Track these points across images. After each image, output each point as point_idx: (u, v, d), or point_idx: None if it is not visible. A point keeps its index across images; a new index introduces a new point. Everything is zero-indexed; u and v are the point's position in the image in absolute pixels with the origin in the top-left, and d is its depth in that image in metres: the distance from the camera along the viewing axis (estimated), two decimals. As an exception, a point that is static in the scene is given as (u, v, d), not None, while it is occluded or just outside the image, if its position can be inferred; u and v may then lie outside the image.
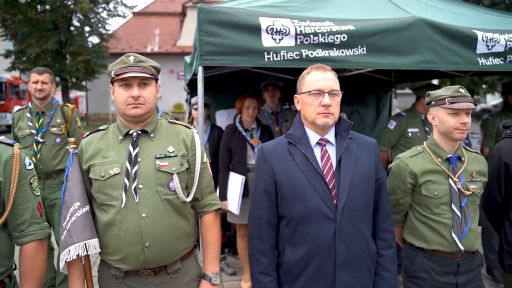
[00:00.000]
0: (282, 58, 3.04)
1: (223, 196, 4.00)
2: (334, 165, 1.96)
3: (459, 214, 2.25)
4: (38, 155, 3.68)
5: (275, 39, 3.04)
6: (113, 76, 1.95)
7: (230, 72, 5.47)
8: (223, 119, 5.64)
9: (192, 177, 2.06)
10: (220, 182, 4.03)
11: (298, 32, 3.02)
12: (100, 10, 15.64)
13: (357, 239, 1.93)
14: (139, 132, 2.00)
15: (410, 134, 4.01)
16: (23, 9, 14.02)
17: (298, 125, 2.05)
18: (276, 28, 3.00)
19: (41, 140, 3.71)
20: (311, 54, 3.07)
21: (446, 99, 2.26)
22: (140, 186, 1.92)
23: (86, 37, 15.29)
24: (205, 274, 2.10)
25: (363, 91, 6.24)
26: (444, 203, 2.27)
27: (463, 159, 2.33)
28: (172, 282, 2.00)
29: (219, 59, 3.00)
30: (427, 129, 4.04)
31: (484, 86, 16.22)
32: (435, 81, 9.86)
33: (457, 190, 2.27)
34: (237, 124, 4.06)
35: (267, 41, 3.03)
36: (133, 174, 1.92)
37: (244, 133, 4.00)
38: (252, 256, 2.04)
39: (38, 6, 14.51)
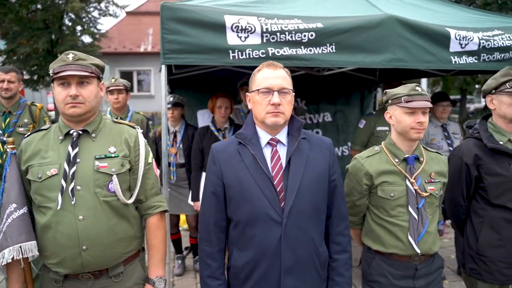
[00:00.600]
0: (247, 56, 2.97)
1: (196, 197, 3.94)
2: (284, 166, 1.89)
3: (415, 216, 2.18)
4: (4, 156, 3.61)
5: (240, 37, 2.97)
6: (51, 74, 1.89)
7: (212, 71, 5.42)
8: (204, 118, 5.57)
9: (135, 178, 2.00)
10: (193, 183, 3.97)
11: (264, 30, 2.95)
12: (92, 9, 15.53)
13: (304, 243, 1.86)
14: (80, 132, 1.94)
15: (379, 133, 3.95)
16: (13, 8, 13.92)
17: (250, 125, 1.99)
18: (241, 26, 2.93)
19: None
20: (278, 52, 3.00)
21: (402, 97, 2.19)
22: (78, 187, 1.85)
23: (77, 37, 15.17)
24: (149, 278, 2.03)
25: (347, 91, 6.17)
26: (401, 205, 2.20)
27: (421, 159, 2.26)
28: (114, 286, 1.93)
29: (182, 58, 2.94)
30: None
31: (477, 86, 16.11)
32: (424, 80, 9.79)
33: (414, 192, 2.19)
34: (210, 124, 4.00)
35: (232, 39, 2.96)
36: (70, 175, 1.86)
37: (216, 133, 3.93)
38: (201, 260, 1.98)
39: (29, 6, 14.40)
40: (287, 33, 2.98)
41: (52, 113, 15.69)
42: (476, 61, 3.39)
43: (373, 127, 4.02)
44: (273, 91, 1.85)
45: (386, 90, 2.33)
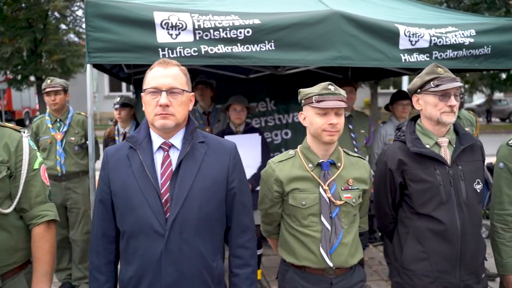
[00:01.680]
0: (178, 55, 2.80)
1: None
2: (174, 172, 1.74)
3: (328, 226, 2.01)
4: None
5: (171, 35, 2.80)
6: None
7: None
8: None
9: (16, 186, 1.83)
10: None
11: (197, 26, 2.78)
12: (76, 8, 15.35)
13: (191, 258, 1.70)
14: None
15: None
16: (-4, 7, 13.76)
17: (144, 127, 1.84)
18: (172, 23, 2.76)
19: None
20: (211, 50, 2.83)
21: (313, 97, 2.02)
22: None
23: (61, 36, 15.00)
24: None
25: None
26: (313, 214, 2.03)
27: (339, 164, 2.09)
28: None
29: (108, 56, 2.77)
30: (351, 126, 3.82)
31: (466, 85, 15.96)
32: (405, 79, 9.58)
33: (327, 200, 2.02)
34: None
35: (162, 36, 2.79)
36: None
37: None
38: (89, 272, 1.83)
39: (13, 4, 14.23)
40: (221, 30, 2.82)
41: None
42: (428, 58, 3.21)
43: None
44: (161, 91, 1.70)
45: (300, 89, 2.16)
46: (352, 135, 3.83)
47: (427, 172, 2.11)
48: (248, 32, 2.84)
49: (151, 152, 1.76)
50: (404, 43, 3.14)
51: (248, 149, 3.64)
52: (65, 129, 3.93)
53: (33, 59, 14.49)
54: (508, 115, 23.42)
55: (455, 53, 3.25)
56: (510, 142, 2.34)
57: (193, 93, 1.87)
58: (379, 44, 3.09)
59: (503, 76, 15.97)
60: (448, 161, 2.13)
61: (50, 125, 3.93)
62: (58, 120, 3.96)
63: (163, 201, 1.70)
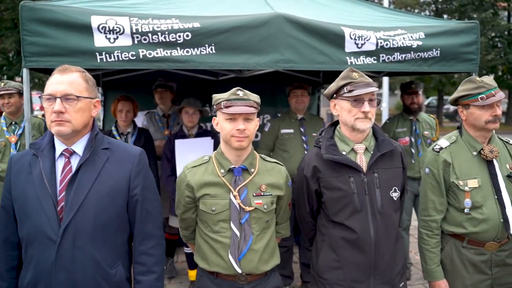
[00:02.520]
0: (116, 59, 2.78)
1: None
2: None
3: (237, 232, 1.99)
4: None
5: (109, 39, 2.78)
6: None
7: (145, 74, 5.19)
8: (139, 120, 5.40)
9: None
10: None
11: (134, 30, 2.76)
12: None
13: (85, 265, 1.69)
14: None
15: (283, 136, 3.77)
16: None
17: (49, 133, 1.83)
18: (109, 27, 2.74)
19: None
20: (150, 54, 2.80)
21: (222, 102, 2.00)
22: None
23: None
24: None
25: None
26: (223, 220, 2.01)
27: (252, 170, 2.07)
28: None
29: (45, 61, 2.74)
30: (302, 129, 3.81)
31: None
32: (385, 80, 9.56)
33: (237, 206, 2.00)
34: (113, 128, 3.82)
35: (100, 41, 2.76)
36: None
37: (118, 138, 3.74)
38: None
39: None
40: (159, 33, 2.79)
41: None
42: (375, 61, 3.19)
43: (278, 130, 3.84)
44: (55, 97, 1.69)
45: (213, 95, 2.14)
46: (303, 138, 3.80)
47: (341, 180, 2.07)
48: (187, 35, 2.82)
49: (52, 159, 1.75)
50: (350, 46, 3.12)
51: (200, 153, 3.61)
52: (20, 132, 3.90)
53: (18, 60, 14.40)
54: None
55: (403, 56, 3.23)
56: (435, 147, 2.33)
57: (97, 99, 1.84)
58: (324, 47, 3.06)
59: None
60: (364, 168, 2.08)
61: (4, 128, 3.91)
62: (13, 123, 3.94)
63: (58, 208, 1.69)
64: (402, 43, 3.20)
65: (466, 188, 2.24)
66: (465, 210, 2.25)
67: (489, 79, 2.24)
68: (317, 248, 2.20)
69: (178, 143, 3.58)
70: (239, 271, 1.98)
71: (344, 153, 2.10)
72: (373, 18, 3.52)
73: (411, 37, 3.25)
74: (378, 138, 2.15)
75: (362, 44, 3.13)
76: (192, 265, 3.90)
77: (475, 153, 2.29)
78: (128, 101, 3.76)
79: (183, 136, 3.73)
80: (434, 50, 3.30)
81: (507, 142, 2.40)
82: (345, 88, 2.05)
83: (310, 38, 3.03)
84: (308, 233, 2.30)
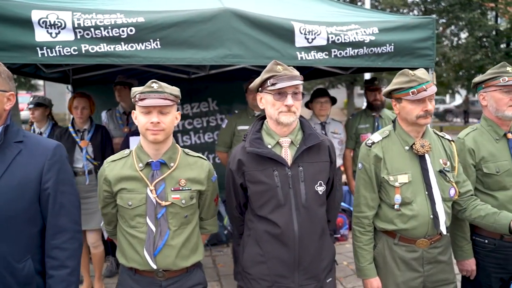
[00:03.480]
0: (58, 53, 2.74)
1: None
2: None
3: (153, 227, 1.95)
4: None
5: (50, 33, 2.74)
6: None
7: (118, 71, 5.13)
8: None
9: None
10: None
11: (76, 25, 2.72)
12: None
13: None
14: None
15: (240, 132, 3.74)
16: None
17: None
18: (50, 21, 2.70)
19: None
20: (92, 49, 2.76)
21: (137, 95, 1.97)
22: None
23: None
24: None
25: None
26: (140, 215, 1.98)
27: (171, 164, 2.03)
28: None
29: (-17, 55, 2.70)
30: None
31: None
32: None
33: (153, 200, 1.96)
34: (69, 125, 3.78)
35: (41, 35, 2.72)
36: None
37: (74, 135, 3.71)
38: None
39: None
40: (102, 28, 2.75)
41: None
42: (326, 56, 3.16)
43: (234, 127, 3.81)
44: None
45: (132, 88, 2.11)
46: None
47: (265, 173, 2.03)
48: (131, 30, 2.79)
49: None
50: (300, 41, 3.09)
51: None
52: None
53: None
54: (486, 116, 23.37)
55: (356, 51, 3.20)
56: (368, 142, 2.29)
57: (11, 92, 1.80)
58: (273, 41, 3.03)
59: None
60: (289, 162, 2.04)
61: None
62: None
63: None
64: (354, 38, 3.17)
65: (396, 184, 2.18)
66: (395, 206, 2.19)
67: (422, 73, 2.18)
68: (243, 243, 2.16)
69: (132, 140, 3.54)
70: (154, 267, 1.95)
71: (269, 146, 2.06)
72: (329, 13, 3.49)
73: (364, 32, 3.22)
74: (306, 131, 2.11)
75: (312, 39, 3.10)
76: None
77: (407, 147, 2.23)
78: (83, 98, 3.72)
79: (138, 133, 3.68)
80: (387, 45, 3.27)
81: (442, 137, 2.36)
82: (268, 81, 2.01)
83: (259, 33, 3.00)
84: (237, 229, 2.26)
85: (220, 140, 3.91)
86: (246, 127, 3.75)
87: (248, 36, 2.97)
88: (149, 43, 2.84)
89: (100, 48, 2.78)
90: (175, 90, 2.03)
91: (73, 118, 3.80)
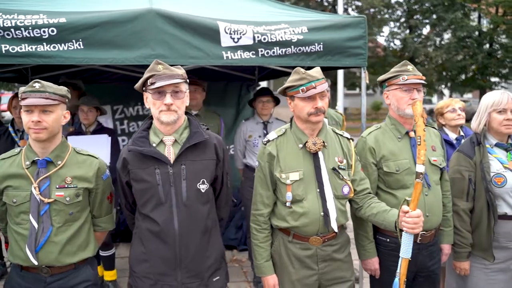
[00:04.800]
0: (-22, 55, 2.78)
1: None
2: None
3: (35, 224, 1.99)
4: None
5: (-30, 34, 2.78)
6: None
7: (86, 69, 5.14)
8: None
9: None
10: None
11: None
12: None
13: None
14: None
15: None
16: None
17: None
18: (-31, 22, 2.74)
19: None
20: (13, 49, 2.81)
21: (21, 94, 2.01)
22: None
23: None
24: None
25: (223, 90, 5.97)
26: (24, 212, 2.01)
27: (58, 162, 2.06)
28: None
29: None
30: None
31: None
32: (340, 74, 9.51)
33: (37, 197, 2.00)
34: (9, 125, 3.82)
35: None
36: None
37: (13, 134, 3.76)
38: None
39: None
40: (23, 29, 2.79)
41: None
42: (253, 56, 3.19)
43: None
44: None
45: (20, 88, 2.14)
46: None
47: (147, 172, 2.05)
48: (52, 31, 2.82)
49: None
50: (226, 41, 3.12)
51: (95, 150, 3.61)
52: None
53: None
54: (471, 115, 23.44)
55: (283, 50, 3.24)
56: (264, 140, 2.31)
57: None
58: (198, 41, 3.07)
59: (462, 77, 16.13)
60: (171, 160, 2.06)
61: None
62: None
63: None
64: (282, 37, 3.21)
65: (288, 181, 2.18)
66: (287, 204, 2.20)
67: (314, 71, 2.19)
68: (132, 241, 2.19)
69: (71, 139, 3.56)
70: (36, 263, 1.98)
71: (154, 144, 2.08)
72: (260, 13, 3.52)
73: (293, 31, 3.26)
74: (192, 130, 2.13)
75: (238, 39, 3.14)
76: (105, 265, 3.88)
77: (300, 145, 2.23)
78: (23, 99, 3.75)
79: (80, 133, 3.72)
80: (316, 44, 3.30)
81: (341, 135, 2.37)
82: (148, 81, 2.04)
83: (184, 33, 3.04)
84: (131, 226, 2.28)
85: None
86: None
87: (172, 36, 3.01)
88: (71, 43, 2.88)
89: (21, 49, 2.82)
90: (60, 90, 2.06)
91: (12, 119, 3.83)
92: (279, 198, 2.26)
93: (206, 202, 2.12)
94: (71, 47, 2.88)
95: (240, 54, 3.17)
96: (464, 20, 15.14)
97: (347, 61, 3.45)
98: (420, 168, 1.99)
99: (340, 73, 12.18)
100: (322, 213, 2.18)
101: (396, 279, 2.07)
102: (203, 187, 2.09)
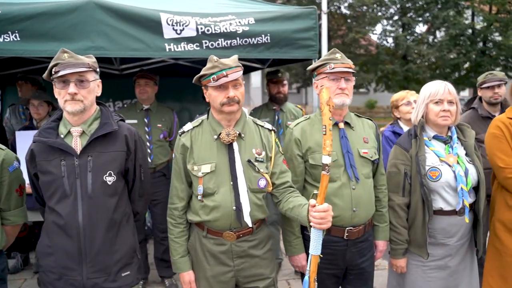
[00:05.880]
0: None
1: None
2: None
3: None
4: None
5: None
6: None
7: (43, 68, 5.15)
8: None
9: None
10: None
11: None
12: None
13: None
14: None
15: None
16: None
17: None
18: None
19: None
20: None
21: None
22: None
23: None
24: None
25: (193, 86, 5.91)
26: None
27: None
28: None
29: None
30: (146, 120, 3.78)
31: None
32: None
33: None
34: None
35: None
36: None
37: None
38: None
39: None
40: (-44, 20, 2.77)
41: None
42: (198, 48, 3.15)
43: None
44: None
45: None
46: (146, 128, 3.78)
47: (53, 163, 2.00)
48: (-13, 22, 2.80)
49: None
50: (168, 32, 3.08)
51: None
52: None
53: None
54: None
55: (229, 42, 3.19)
56: (180, 131, 2.27)
57: None
58: (140, 33, 3.03)
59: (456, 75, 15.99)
60: (78, 151, 2.01)
61: None
62: None
63: None
64: (226, 28, 3.16)
65: (200, 174, 2.12)
66: (198, 197, 2.14)
67: (229, 59, 2.13)
68: (40, 234, 2.14)
69: (18, 134, 3.55)
70: None
71: (62, 135, 2.03)
72: (208, 4, 3.47)
73: (239, 22, 3.21)
74: (102, 121, 2.08)
75: (181, 30, 3.10)
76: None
77: (215, 136, 2.17)
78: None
79: (31, 128, 3.70)
80: (263, 36, 3.25)
81: (262, 126, 2.30)
82: (53, 69, 2.00)
83: (125, 24, 3.00)
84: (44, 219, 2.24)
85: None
86: (133, 121, 3.75)
87: (112, 28, 2.97)
88: (7, 35, 2.85)
89: (-47, 41, 2.79)
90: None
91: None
92: (193, 191, 2.20)
93: (113, 195, 2.06)
94: (7, 39, 2.85)
95: (184, 46, 3.13)
96: (456, 18, 15.04)
97: (296, 53, 3.39)
98: (325, 160, 1.88)
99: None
100: (234, 207, 2.11)
101: (306, 277, 1.99)
102: (110, 179, 2.04)
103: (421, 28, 17.54)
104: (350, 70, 2.33)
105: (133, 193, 2.19)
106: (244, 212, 2.10)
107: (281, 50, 3.35)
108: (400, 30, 16.60)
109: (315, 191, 1.95)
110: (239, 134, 2.18)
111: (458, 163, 2.47)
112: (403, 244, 2.52)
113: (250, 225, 2.15)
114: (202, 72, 2.14)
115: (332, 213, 1.95)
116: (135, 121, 3.75)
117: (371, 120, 2.58)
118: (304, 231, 2.41)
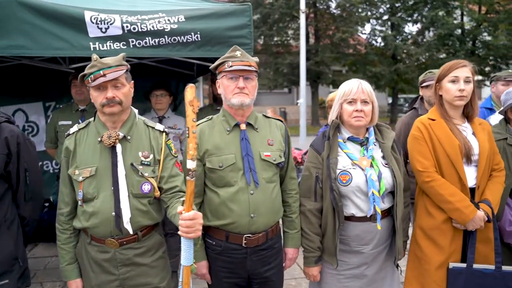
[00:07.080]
0: None
1: None
2: None
3: None
4: None
5: None
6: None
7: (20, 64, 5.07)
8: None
9: None
10: None
11: None
12: None
13: None
14: None
15: (60, 127, 3.70)
16: None
17: None
18: None
19: None
20: None
21: None
22: None
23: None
24: None
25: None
26: None
27: None
28: None
29: None
30: (80, 121, 3.72)
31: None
32: (302, 74, 9.42)
33: None
34: None
35: None
36: None
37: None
38: None
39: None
40: None
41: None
42: (124, 47, 3.09)
43: (56, 122, 3.77)
44: None
45: None
46: None
47: None
48: None
49: None
50: (93, 31, 3.03)
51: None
52: None
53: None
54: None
55: (156, 40, 3.13)
56: (66, 133, 2.21)
57: None
58: (63, 32, 2.98)
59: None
60: None
61: None
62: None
63: None
64: (153, 26, 3.11)
65: (80, 178, 2.05)
66: (79, 203, 2.08)
67: (110, 58, 2.06)
68: None
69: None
70: None
71: None
72: (138, 2, 3.42)
73: (168, 20, 3.15)
74: None
75: (106, 29, 3.05)
76: None
77: (99, 139, 2.09)
78: None
79: None
80: (193, 34, 3.19)
81: (152, 128, 2.22)
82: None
83: (47, 23, 2.95)
84: None
85: (47, 135, 3.87)
86: (68, 122, 3.72)
87: (34, 26, 2.93)
88: None
89: None
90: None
91: None
92: (77, 197, 2.13)
93: None
94: None
95: (110, 45, 3.07)
96: (445, 18, 14.95)
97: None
98: (189, 164, 1.76)
99: (303, 68, 11.86)
100: (113, 213, 2.03)
101: None
102: None
103: (410, 28, 17.48)
104: (251, 68, 2.22)
105: (18, 198, 2.13)
106: (124, 218, 2.02)
107: (213, 48, 3.28)
108: (389, 30, 16.55)
109: (182, 198, 1.86)
110: (124, 137, 2.10)
111: (372, 166, 2.35)
112: (315, 251, 2.40)
113: (130, 232, 2.06)
114: (85, 71, 2.07)
115: (202, 221, 1.84)
116: (69, 122, 3.71)
117: (281, 121, 2.47)
118: (205, 237, 2.31)
